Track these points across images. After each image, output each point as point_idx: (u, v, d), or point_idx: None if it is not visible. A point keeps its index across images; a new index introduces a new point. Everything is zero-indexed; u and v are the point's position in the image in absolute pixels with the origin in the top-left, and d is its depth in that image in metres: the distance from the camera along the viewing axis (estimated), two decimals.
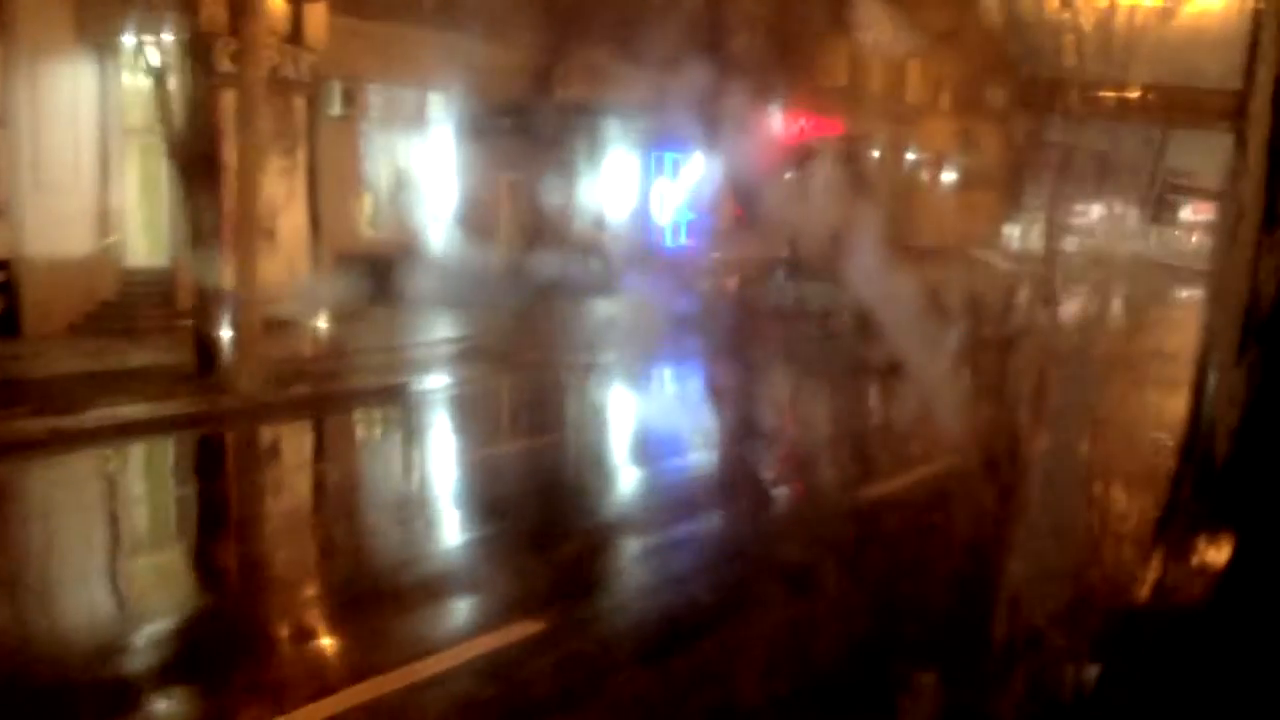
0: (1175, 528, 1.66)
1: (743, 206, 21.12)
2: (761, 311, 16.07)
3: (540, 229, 17.91)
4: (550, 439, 8.32)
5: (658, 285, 18.01)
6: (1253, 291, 1.62)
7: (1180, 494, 1.67)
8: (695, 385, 12.00)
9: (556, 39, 17.89)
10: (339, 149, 15.89)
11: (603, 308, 15.56)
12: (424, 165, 17.64)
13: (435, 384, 10.27)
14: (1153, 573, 1.65)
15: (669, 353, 12.99)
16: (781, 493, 6.36)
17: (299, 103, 13.88)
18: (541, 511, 5.50)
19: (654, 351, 12.80)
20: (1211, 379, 1.64)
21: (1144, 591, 1.66)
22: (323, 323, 13.30)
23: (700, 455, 7.78)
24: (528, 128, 17.68)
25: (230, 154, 10.22)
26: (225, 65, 10.94)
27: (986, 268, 15.98)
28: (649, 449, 7.97)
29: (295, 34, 13.48)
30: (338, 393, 9.46)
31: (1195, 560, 1.62)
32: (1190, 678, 1.50)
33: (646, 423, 9.15)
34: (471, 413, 9.61)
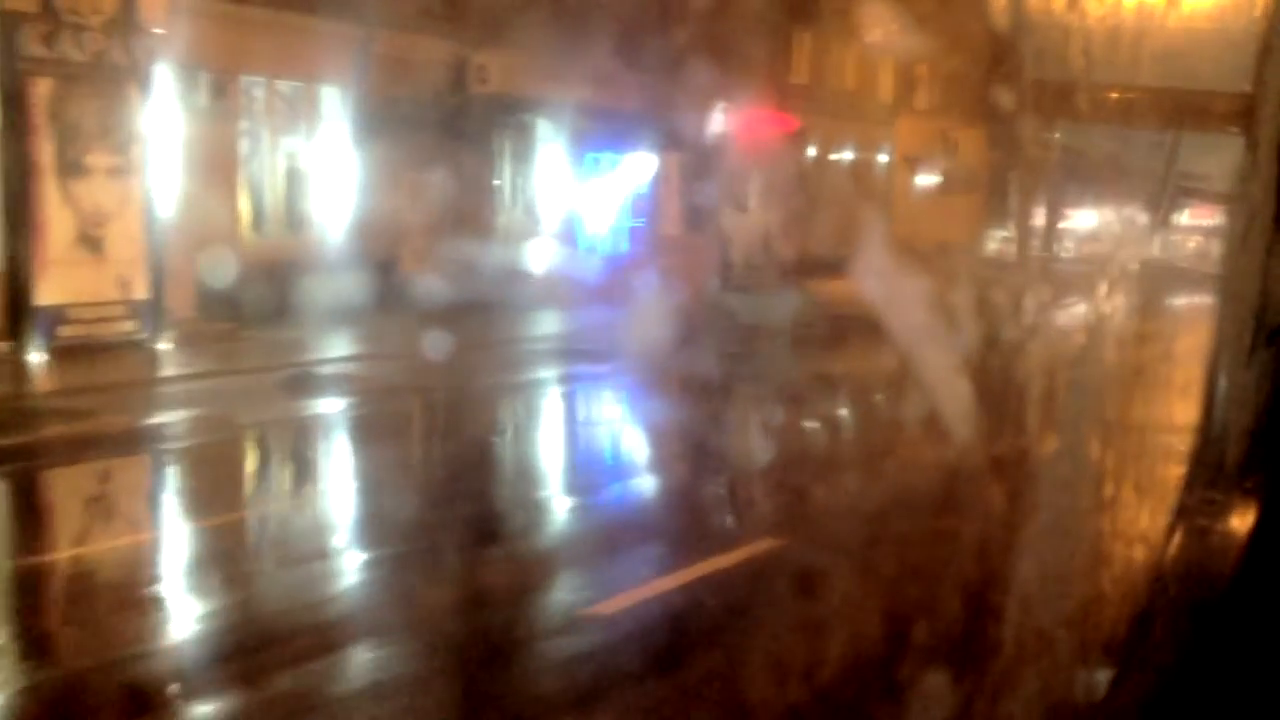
0: (1186, 531, 1.91)
1: (687, 212, 21.73)
2: (683, 327, 16.64)
3: (455, 235, 18.12)
4: (230, 520, 7.07)
5: (583, 298, 18.42)
6: (1263, 294, 1.91)
7: (1191, 497, 1.93)
8: (547, 424, 12.00)
9: (473, 28, 18.26)
10: (209, 147, 15.86)
11: (508, 325, 15.78)
12: (318, 166, 17.73)
13: (221, 423, 9.69)
14: (1160, 576, 1.92)
15: (548, 380, 13.19)
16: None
17: (133, 93, 13.66)
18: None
19: (533, 379, 13.03)
20: (1223, 382, 1.91)
21: (1152, 596, 1.92)
22: (165, 344, 13.27)
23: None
24: (440, 125, 17.93)
25: (43, 152, 10.08)
26: (36, 49, 10.79)
27: (965, 271, 16.79)
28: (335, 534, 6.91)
29: (126, 14, 13.15)
30: (62, 438, 8.65)
31: (1205, 566, 1.87)
32: (1201, 680, 1.75)
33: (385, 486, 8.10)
34: (213, 468, 8.78)
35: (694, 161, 21.89)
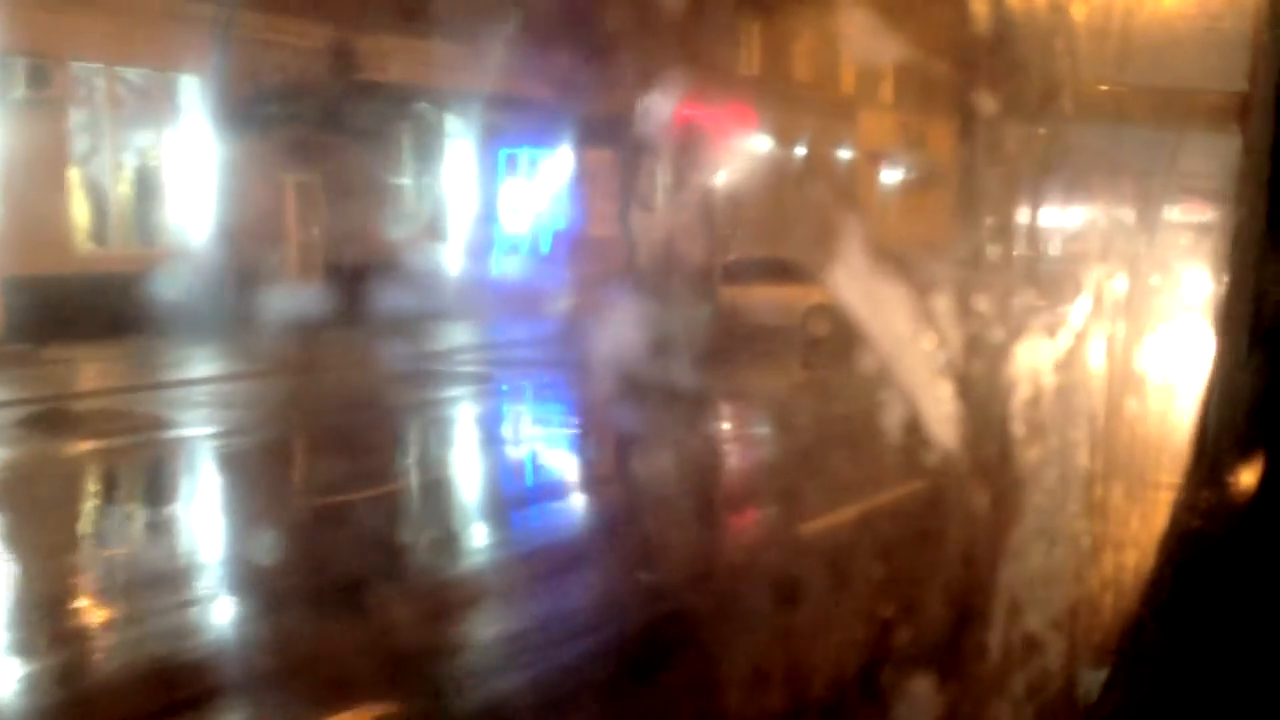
0: (1181, 534, 2.24)
1: (614, 214, 22.19)
2: (578, 342, 17.27)
3: (342, 241, 18.26)
4: None
5: (493, 308, 18.73)
6: (1258, 293, 2.25)
7: (1186, 498, 2.26)
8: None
9: (356, 8, 18.48)
10: (32, 142, 15.78)
11: (396, 341, 15.92)
12: (176, 166, 17.72)
13: None
14: (1155, 581, 2.24)
15: (417, 408, 13.15)
16: None
17: None
18: None
19: (403, 406, 13.08)
20: (1218, 382, 2.25)
21: (1146, 601, 2.24)
22: None
23: None
24: (324, 118, 18.05)
25: None
26: None
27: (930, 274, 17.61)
28: None
29: None
30: None
31: (1199, 566, 2.19)
32: (1195, 682, 2.06)
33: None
34: None
35: (629, 157, 22.42)
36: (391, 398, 13.42)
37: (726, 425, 12.18)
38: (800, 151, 23.05)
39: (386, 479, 9.45)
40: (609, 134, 22.27)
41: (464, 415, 13.23)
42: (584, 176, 22.09)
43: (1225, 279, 2.43)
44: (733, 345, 16.74)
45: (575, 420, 13.01)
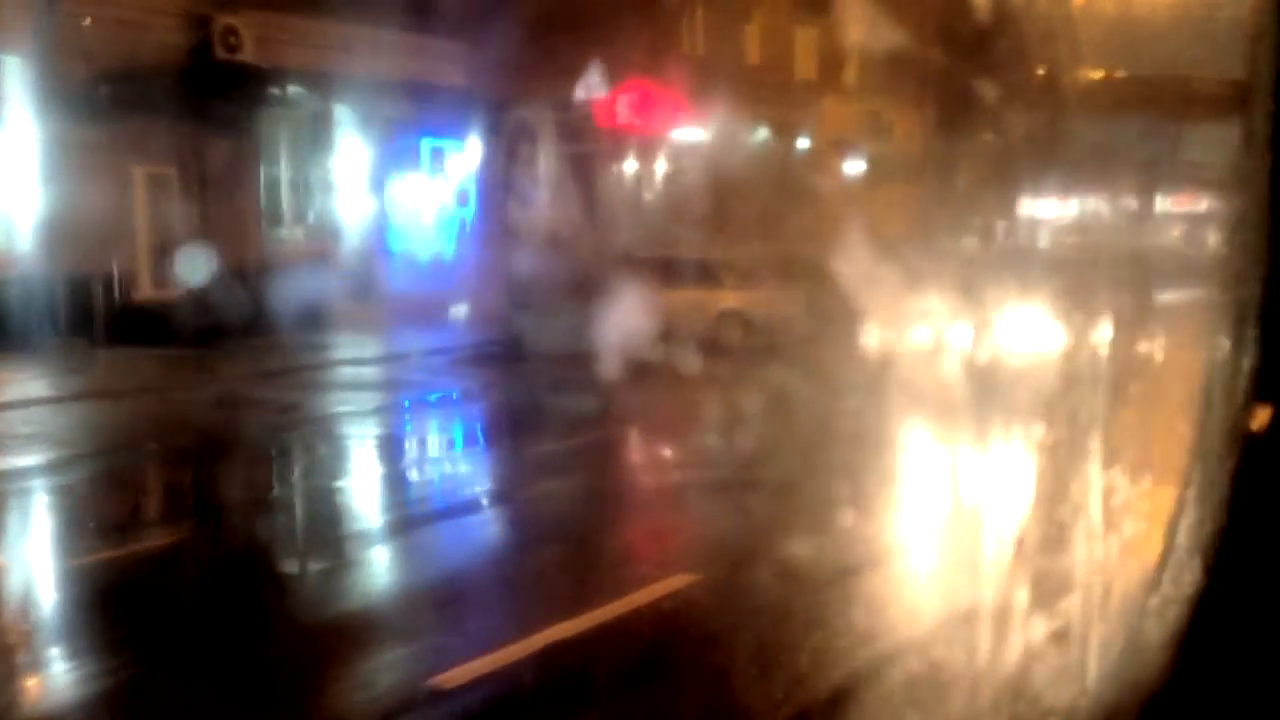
0: (1188, 523, 2.69)
1: (525, 213, 22.67)
2: (463, 357, 17.73)
3: (206, 243, 18.38)
4: None
5: (378, 317, 19.05)
6: (1260, 283, 2.69)
7: (1188, 488, 2.71)
8: None
9: None
10: None
11: (254, 358, 16.03)
12: None
13: None
14: (1158, 578, 2.69)
15: (256, 435, 13.14)
16: None
17: None
18: None
19: (240, 437, 13.09)
20: (1220, 372, 2.70)
21: (1152, 594, 2.68)
22: None
23: None
24: (178, 105, 18.18)
25: None
26: None
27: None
28: None
29: None
30: None
31: (1206, 562, 2.62)
32: (1200, 678, 2.49)
33: None
34: None
35: (553, 150, 22.98)
36: (206, 426, 13.33)
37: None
38: (753, 141, 23.67)
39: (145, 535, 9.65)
40: (523, 124, 22.81)
41: (287, 453, 13.02)
42: (493, 170, 22.46)
43: (1227, 267, 2.86)
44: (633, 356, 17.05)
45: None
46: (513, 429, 14.95)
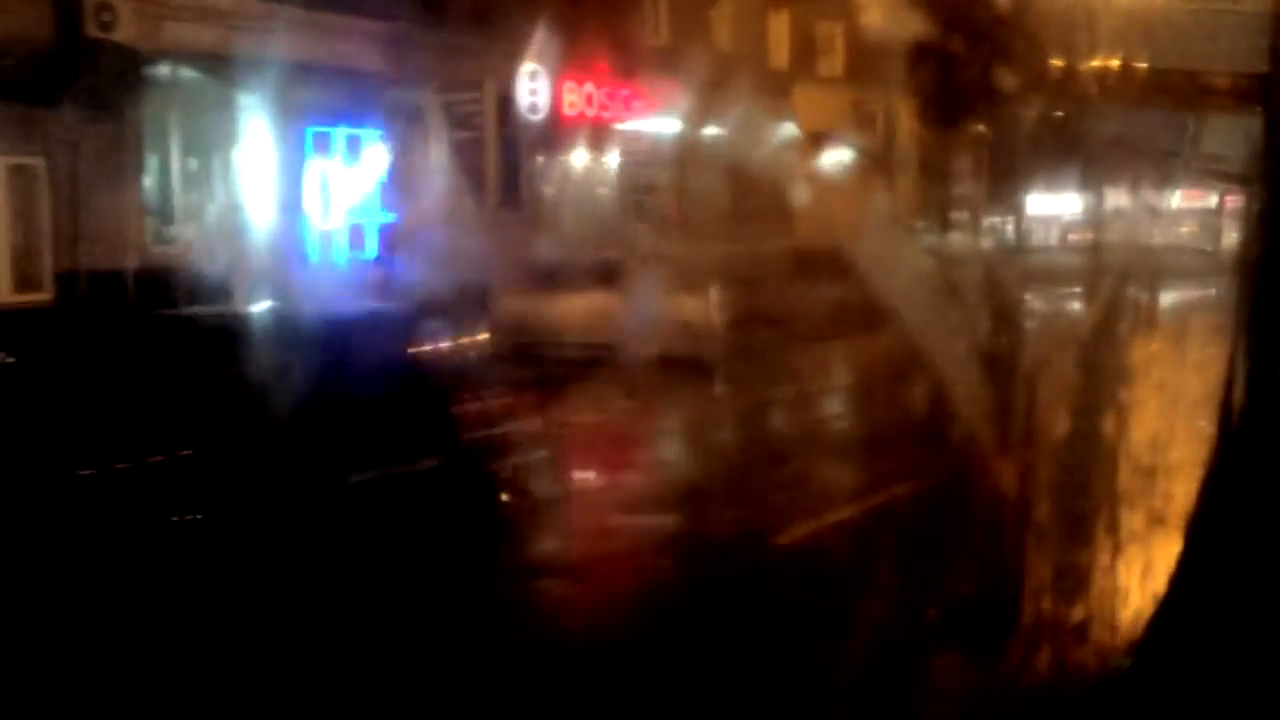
0: (1206, 519, 3.11)
1: (439, 211, 22.94)
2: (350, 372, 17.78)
3: (82, 242, 18.45)
4: None
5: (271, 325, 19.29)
6: None
7: (1211, 485, 3.13)
8: None
9: None
10: None
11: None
12: None
13: None
14: (1184, 562, 3.11)
15: None
16: None
17: None
18: None
19: None
20: (1241, 365, 3.12)
21: (1175, 584, 3.11)
22: None
23: None
24: (45, 89, 18.26)
25: None
26: None
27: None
28: None
29: None
30: None
31: (1231, 550, 3.04)
32: (1222, 674, 2.90)
33: None
34: None
35: (493, 141, 23.33)
36: None
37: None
38: (721, 133, 24.05)
39: None
40: (449, 112, 23.09)
41: None
42: (414, 163, 22.68)
43: (1251, 256, 3.26)
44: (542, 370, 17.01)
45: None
46: None
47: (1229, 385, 3.07)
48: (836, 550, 9.48)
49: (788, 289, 17.74)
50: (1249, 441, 2.92)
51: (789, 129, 25.03)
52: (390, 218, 22.99)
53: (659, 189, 24.41)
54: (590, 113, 25.42)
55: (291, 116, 21.57)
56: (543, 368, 16.57)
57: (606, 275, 19.14)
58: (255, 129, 21.34)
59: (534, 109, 24.46)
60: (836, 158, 25.73)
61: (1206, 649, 2.86)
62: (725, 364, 16.82)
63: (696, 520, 10.31)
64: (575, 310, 18.50)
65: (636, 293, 18.88)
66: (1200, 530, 3.08)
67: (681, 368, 17.48)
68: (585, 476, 12.70)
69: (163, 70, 20.39)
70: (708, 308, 18.59)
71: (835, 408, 16.57)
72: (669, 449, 13.85)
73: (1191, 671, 2.88)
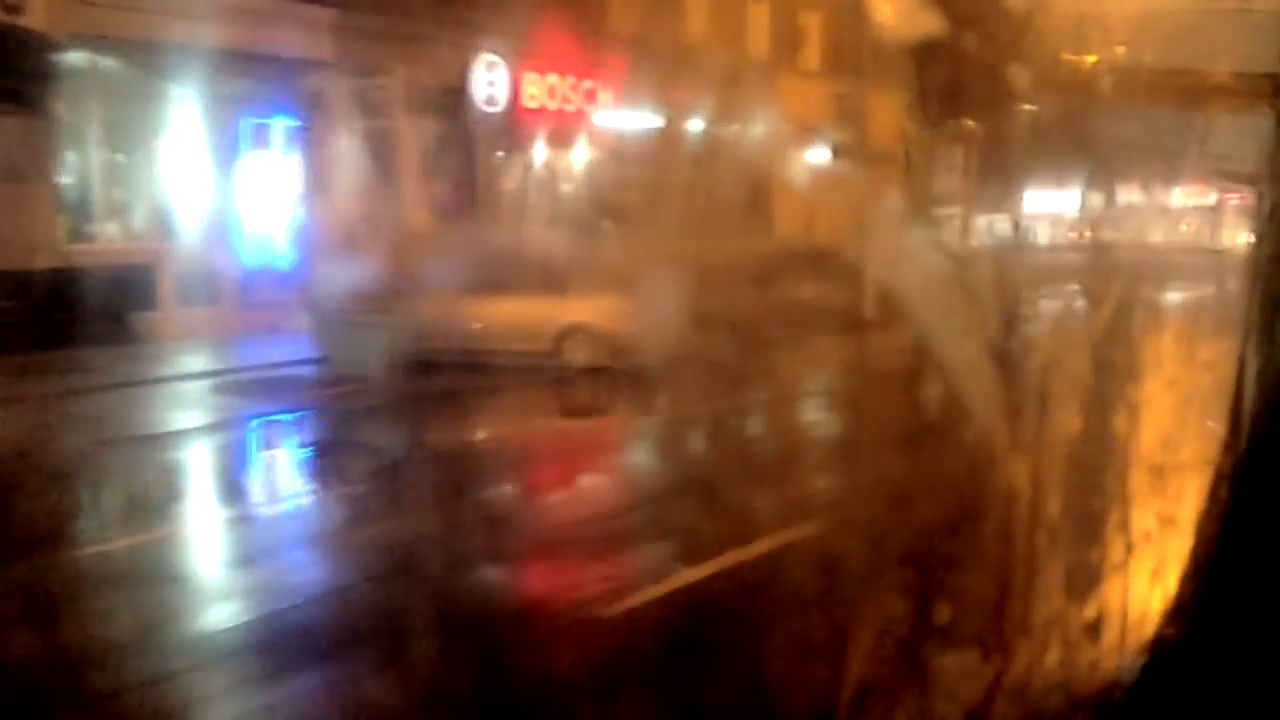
0: (1213, 520, 3.35)
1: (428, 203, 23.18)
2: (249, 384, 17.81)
3: None
4: None
5: (202, 326, 19.71)
6: None
7: (1220, 486, 3.38)
8: None
9: None
10: None
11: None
12: None
13: None
14: (1195, 562, 3.36)
15: None
16: None
17: None
18: None
19: None
20: (1251, 366, 3.37)
21: (1186, 584, 3.35)
22: None
23: None
24: None
25: None
26: None
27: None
28: None
29: None
30: None
31: (1243, 551, 3.27)
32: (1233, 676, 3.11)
33: None
34: None
35: (445, 135, 23.57)
36: None
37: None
38: (694, 128, 24.34)
39: None
40: (397, 102, 23.33)
41: None
42: (352, 155, 22.84)
43: (1260, 255, 3.49)
44: (454, 384, 17.28)
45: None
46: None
47: (1238, 385, 3.25)
48: (658, 631, 8.84)
49: (757, 290, 18.08)
50: (1262, 442, 3.12)
51: (768, 123, 25.31)
52: (312, 216, 23.08)
53: (629, 185, 24.65)
54: (553, 105, 25.74)
55: (222, 107, 21.74)
56: (451, 379, 17.27)
57: (557, 278, 19.17)
58: (183, 121, 21.46)
59: (491, 101, 24.72)
60: (819, 153, 26.08)
61: (1219, 656, 3.08)
62: (668, 375, 16.82)
63: (509, 583, 10.11)
64: (508, 316, 18.62)
65: (587, 297, 19.05)
66: (1211, 532, 3.28)
67: (619, 378, 18.16)
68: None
69: (80, 58, 20.54)
70: (665, 312, 17.46)
71: (765, 425, 16.73)
72: (530, 484, 13.59)
73: (1200, 680, 3.10)
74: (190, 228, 21.70)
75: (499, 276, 18.80)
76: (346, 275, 18.78)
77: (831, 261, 18.06)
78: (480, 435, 15.53)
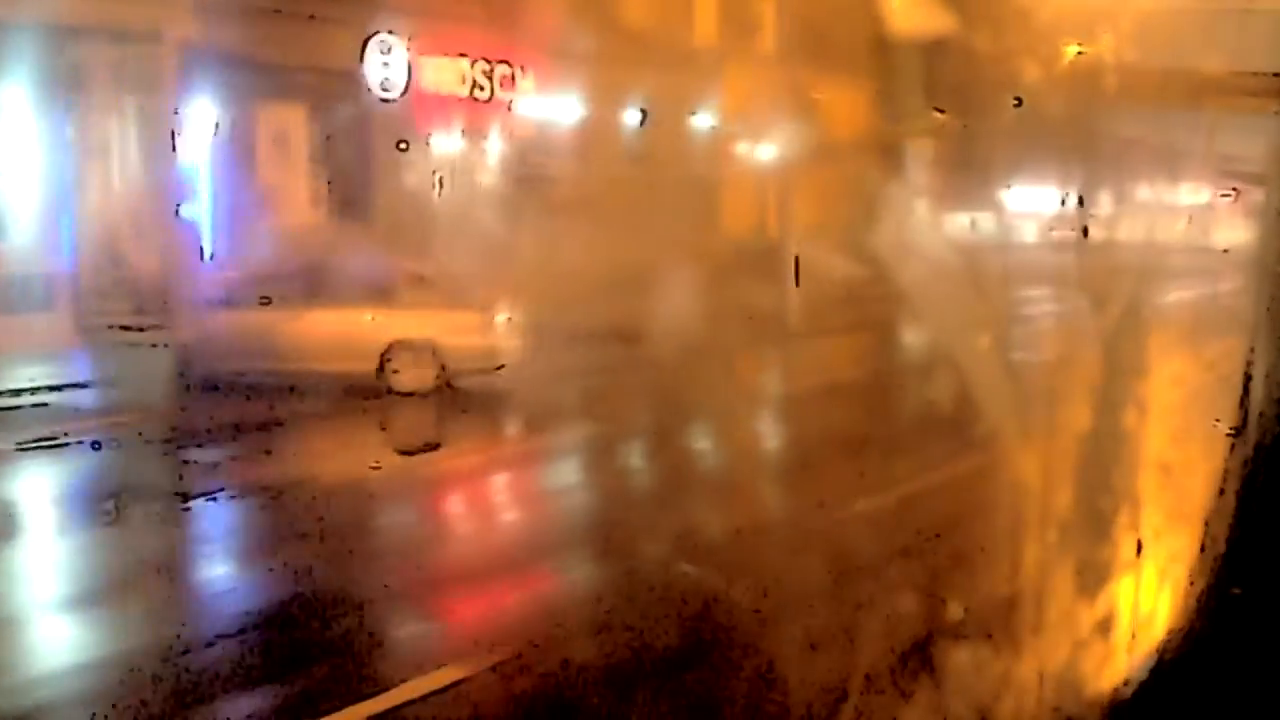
0: (1223, 517, 3.94)
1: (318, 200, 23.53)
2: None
3: None
4: None
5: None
6: None
7: (1229, 481, 3.96)
8: None
9: None
10: None
11: None
12: None
13: None
14: (1205, 559, 3.94)
15: None
16: None
17: None
18: None
19: None
20: (1259, 361, 3.97)
21: (1196, 582, 3.93)
22: None
23: None
24: None
25: None
26: None
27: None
28: None
29: None
30: None
31: (1247, 551, 3.85)
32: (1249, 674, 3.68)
33: None
34: None
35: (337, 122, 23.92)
36: None
37: None
38: (632, 119, 24.80)
39: None
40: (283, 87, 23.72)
41: None
42: (267, 147, 23.18)
43: (1265, 257, 4.09)
44: (248, 413, 16.70)
45: None
46: None
47: (1246, 383, 3.76)
48: None
49: (690, 294, 17.45)
50: (1271, 440, 3.59)
51: (716, 113, 25.74)
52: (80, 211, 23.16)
53: (555, 183, 25.04)
54: (464, 92, 26.05)
55: (68, 93, 21.88)
56: (245, 406, 16.49)
57: (389, 287, 19.31)
58: (20, 108, 21.62)
59: (387, 86, 25.05)
60: (772, 147, 26.59)
61: (1232, 654, 3.55)
62: (532, 398, 16.69)
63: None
64: (325, 330, 18.23)
65: (425, 309, 19.16)
66: (1221, 530, 3.78)
67: (465, 403, 18.32)
68: None
69: None
70: (535, 326, 18.26)
71: (637, 460, 16.53)
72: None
73: (1213, 678, 3.56)
74: (24, 221, 21.84)
75: (318, 284, 18.82)
76: (121, 279, 18.61)
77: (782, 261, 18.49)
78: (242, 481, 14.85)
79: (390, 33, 24.50)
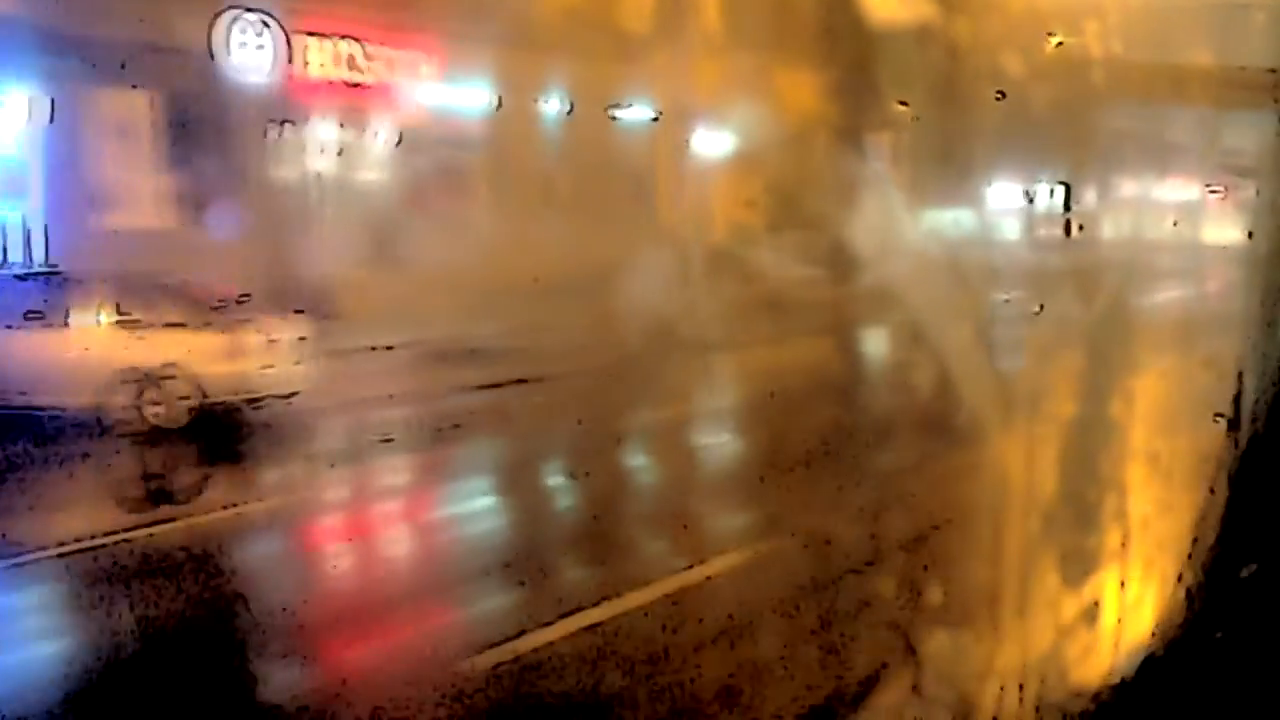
0: (1217, 505, 4.59)
1: (172, 194, 23.92)
2: None
3: None
4: None
5: None
6: None
7: (1223, 468, 4.62)
8: None
9: None
10: None
11: None
12: None
13: None
14: (1195, 555, 4.58)
15: None
16: None
17: None
18: None
19: None
20: (1252, 352, 4.65)
21: (1184, 576, 4.59)
22: None
23: None
24: None
25: None
26: None
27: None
28: None
29: None
30: None
31: (1239, 537, 4.51)
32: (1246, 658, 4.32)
33: None
34: None
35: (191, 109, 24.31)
36: None
37: None
38: (553, 109, 25.28)
39: None
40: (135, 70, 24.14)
41: None
42: (94, 134, 23.55)
43: (1258, 251, 4.75)
44: None
45: None
46: None
47: (1239, 378, 4.25)
48: None
49: (573, 308, 17.84)
50: (1264, 434, 4.02)
51: (646, 104, 26.24)
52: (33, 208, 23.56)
53: (454, 178, 25.35)
54: (346, 76, 26.42)
55: None
56: None
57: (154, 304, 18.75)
58: None
59: (254, 69, 25.43)
60: (709, 141, 27.11)
61: (1221, 647, 4.03)
62: (305, 434, 16.08)
63: None
64: (49, 355, 17.76)
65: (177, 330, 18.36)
66: (1212, 523, 4.29)
67: (229, 442, 17.43)
68: None
69: None
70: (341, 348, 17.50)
71: (344, 534, 15.94)
72: None
73: (1201, 671, 4.05)
74: None
75: (46, 303, 18.32)
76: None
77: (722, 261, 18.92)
78: None
79: (252, 10, 24.85)
